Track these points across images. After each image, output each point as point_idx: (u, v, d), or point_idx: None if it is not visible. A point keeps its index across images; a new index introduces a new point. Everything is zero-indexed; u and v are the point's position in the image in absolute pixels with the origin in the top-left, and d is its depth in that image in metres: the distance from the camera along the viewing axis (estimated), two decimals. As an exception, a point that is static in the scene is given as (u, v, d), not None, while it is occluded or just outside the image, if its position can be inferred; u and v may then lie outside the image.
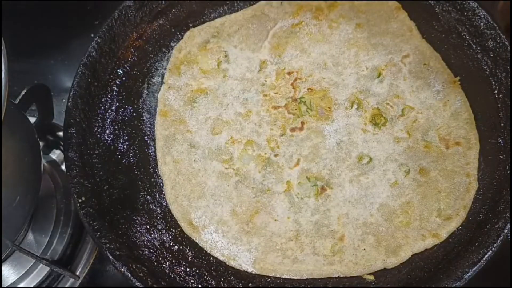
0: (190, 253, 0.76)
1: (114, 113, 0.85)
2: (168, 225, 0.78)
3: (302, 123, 0.83)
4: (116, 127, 0.85)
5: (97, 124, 0.84)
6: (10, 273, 0.82)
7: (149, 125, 0.86)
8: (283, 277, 0.74)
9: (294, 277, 0.74)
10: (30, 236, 0.84)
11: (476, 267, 0.68)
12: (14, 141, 0.67)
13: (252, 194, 0.79)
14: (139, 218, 0.78)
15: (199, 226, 0.77)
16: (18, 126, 0.71)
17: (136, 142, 0.84)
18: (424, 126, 0.81)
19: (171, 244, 0.77)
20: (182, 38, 0.91)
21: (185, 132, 0.84)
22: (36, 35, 1.13)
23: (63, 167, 0.90)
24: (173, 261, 0.75)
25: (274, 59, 0.89)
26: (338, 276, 0.73)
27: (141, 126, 0.86)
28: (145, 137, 0.85)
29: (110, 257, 0.70)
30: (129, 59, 0.89)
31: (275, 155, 0.81)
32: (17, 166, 0.68)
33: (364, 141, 0.81)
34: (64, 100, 1.00)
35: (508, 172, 0.76)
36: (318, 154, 0.81)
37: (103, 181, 0.80)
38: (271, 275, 0.74)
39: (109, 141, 0.83)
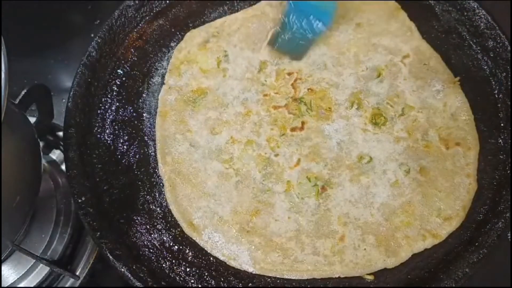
0: (190, 253, 0.76)
1: (114, 113, 0.86)
2: (168, 225, 0.78)
3: (302, 123, 0.83)
4: (116, 127, 0.85)
5: (97, 124, 0.84)
6: (10, 273, 0.82)
7: (149, 125, 0.86)
8: (283, 277, 0.74)
9: (294, 277, 0.74)
10: (30, 236, 0.84)
11: (476, 267, 0.68)
12: (14, 141, 0.67)
13: (252, 194, 0.79)
14: (139, 218, 0.78)
15: (199, 226, 0.77)
16: (18, 126, 0.71)
17: (136, 142, 0.84)
18: (424, 125, 0.81)
19: (171, 244, 0.77)
20: (182, 38, 0.91)
21: (185, 132, 0.84)
22: (36, 35, 1.13)
23: (63, 167, 0.90)
24: (173, 261, 0.75)
25: (274, 59, 0.89)
26: (339, 276, 0.73)
27: (141, 126, 0.86)
28: (145, 137, 0.85)
29: (110, 257, 0.70)
30: (129, 59, 0.89)
31: (276, 155, 0.81)
32: (17, 166, 0.67)
33: (364, 140, 0.81)
34: (64, 100, 1.00)
35: (508, 172, 0.76)
36: (318, 154, 0.81)
37: (103, 181, 0.80)
38: (271, 275, 0.74)
39: (109, 141, 0.83)
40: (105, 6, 1.12)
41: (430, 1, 0.87)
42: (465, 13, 0.85)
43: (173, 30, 0.92)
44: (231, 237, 0.76)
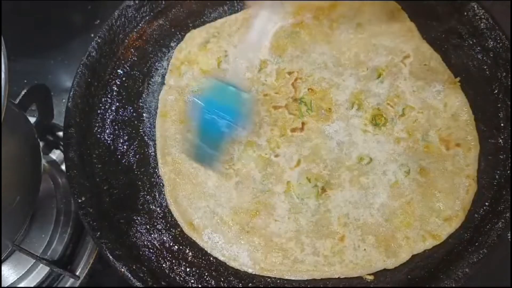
0: (190, 253, 0.76)
1: (114, 113, 0.86)
2: (168, 225, 0.78)
3: (303, 123, 0.83)
4: (116, 127, 0.85)
5: (97, 124, 0.84)
6: (10, 273, 0.82)
7: (149, 125, 0.86)
8: (283, 277, 0.74)
9: (294, 278, 0.74)
10: (30, 236, 0.84)
11: (476, 267, 0.68)
12: (14, 141, 0.67)
13: (252, 194, 0.79)
14: (139, 218, 0.78)
15: (199, 226, 0.77)
16: (18, 126, 0.71)
17: (136, 142, 0.84)
18: (424, 126, 0.81)
19: (171, 244, 0.77)
20: (182, 38, 0.91)
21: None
22: (36, 35, 1.13)
23: (63, 167, 0.90)
24: (173, 261, 0.75)
25: (274, 59, 0.88)
26: (338, 277, 0.73)
27: (141, 126, 0.86)
28: (145, 137, 0.85)
29: (110, 257, 0.70)
30: (129, 59, 0.89)
31: (276, 156, 0.81)
32: (17, 166, 0.68)
33: (364, 141, 0.81)
34: (64, 100, 1.00)
35: (508, 172, 0.76)
36: (318, 154, 0.81)
37: (103, 181, 0.80)
38: (271, 275, 0.74)
39: (109, 141, 0.83)
40: (105, 6, 1.12)
41: (430, 1, 0.87)
42: (465, 13, 0.84)
43: (173, 30, 0.92)
44: (231, 237, 0.76)
